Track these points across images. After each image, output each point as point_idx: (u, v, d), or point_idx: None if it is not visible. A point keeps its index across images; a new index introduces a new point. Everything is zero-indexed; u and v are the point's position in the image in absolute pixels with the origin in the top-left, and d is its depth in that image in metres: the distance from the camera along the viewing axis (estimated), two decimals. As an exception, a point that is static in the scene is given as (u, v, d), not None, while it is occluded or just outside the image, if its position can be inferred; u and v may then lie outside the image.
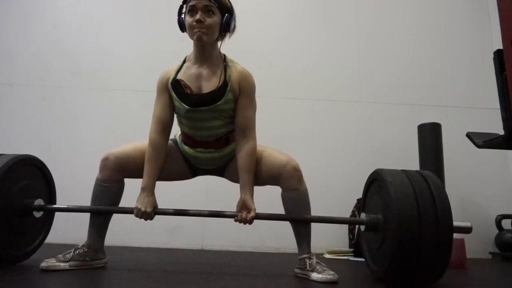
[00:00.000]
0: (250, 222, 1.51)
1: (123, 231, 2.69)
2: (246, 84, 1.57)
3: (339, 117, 3.27)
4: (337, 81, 3.34)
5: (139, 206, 1.50)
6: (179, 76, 1.57)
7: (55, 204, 1.76)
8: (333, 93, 3.31)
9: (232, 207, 1.57)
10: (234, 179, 1.68)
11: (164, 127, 1.59)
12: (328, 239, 2.88)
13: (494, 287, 1.70)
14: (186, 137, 1.65)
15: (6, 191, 1.49)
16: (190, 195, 2.69)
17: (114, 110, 3.18)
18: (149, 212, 1.51)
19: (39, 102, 3.16)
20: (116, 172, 1.57)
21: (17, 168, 1.55)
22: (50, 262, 1.43)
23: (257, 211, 1.52)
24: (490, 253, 3.01)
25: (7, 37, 3.26)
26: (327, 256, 2.65)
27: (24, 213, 1.57)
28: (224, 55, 1.62)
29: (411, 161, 2.77)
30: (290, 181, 1.54)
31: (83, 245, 1.53)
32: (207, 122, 1.56)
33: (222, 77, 1.55)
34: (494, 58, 1.12)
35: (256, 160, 1.58)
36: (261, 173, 1.58)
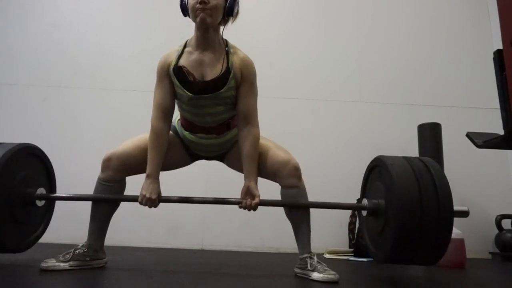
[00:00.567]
0: (254, 208, 1.51)
1: (123, 231, 2.69)
2: (248, 72, 1.56)
3: (339, 117, 3.27)
4: (337, 81, 3.34)
5: (144, 193, 1.50)
6: (180, 62, 1.54)
7: (55, 193, 1.74)
8: (333, 93, 3.31)
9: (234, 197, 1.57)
10: (234, 166, 1.68)
11: (165, 114, 1.57)
12: (328, 239, 2.89)
13: (494, 287, 1.70)
14: (187, 123, 1.64)
15: (8, 179, 1.48)
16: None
17: (114, 110, 3.18)
18: (154, 199, 1.51)
19: (39, 102, 3.16)
20: (118, 172, 1.57)
21: (19, 157, 1.53)
22: (50, 262, 1.43)
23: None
24: (490, 253, 3.01)
25: (7, 37, 3.26)
26: (327, 256, 2.65)
27: (26, 202, 1.56)
28: (226, 41, 1.60)
29: (411, 161, 2.77)
30: (289, 179, 1.55)
31: (83, 245, 1.53)
32: (209, 109, 1.55)
33: (225, 64, 1.53)
34: (494, 58, 1.12)
35: (259, 155, 1.58)
36: (262, 169, 1.59)
